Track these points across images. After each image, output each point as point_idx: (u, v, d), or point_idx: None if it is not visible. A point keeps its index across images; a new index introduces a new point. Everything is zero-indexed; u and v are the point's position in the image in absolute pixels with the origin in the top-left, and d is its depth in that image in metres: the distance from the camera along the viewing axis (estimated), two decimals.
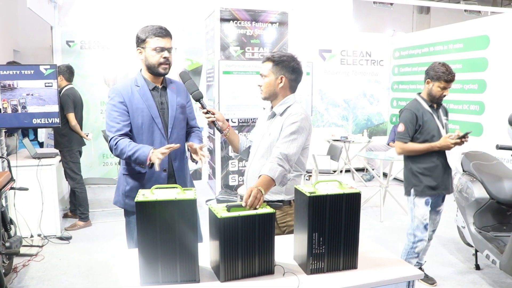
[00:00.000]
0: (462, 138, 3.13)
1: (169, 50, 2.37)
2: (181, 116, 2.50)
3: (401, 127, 3.28)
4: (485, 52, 6.17)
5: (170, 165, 2.46)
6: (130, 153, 2.26)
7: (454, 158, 3.55)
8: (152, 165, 2.23)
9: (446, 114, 3.42)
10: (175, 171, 2.49)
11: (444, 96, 3.25)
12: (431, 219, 3.39)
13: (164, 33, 2.36)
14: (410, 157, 3.31)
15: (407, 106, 3.36)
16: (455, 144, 3.13)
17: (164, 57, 2.35)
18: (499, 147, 3.95)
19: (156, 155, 2.19)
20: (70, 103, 4.68)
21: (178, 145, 2.30)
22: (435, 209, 3.40)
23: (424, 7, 13.89)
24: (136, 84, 2.41)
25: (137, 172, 2.41)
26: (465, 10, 9.86)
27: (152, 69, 2.39)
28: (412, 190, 3.30)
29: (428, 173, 3.24)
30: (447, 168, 3.30)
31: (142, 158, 2.23)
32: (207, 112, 2.34)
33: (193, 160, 2.47)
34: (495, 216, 3.63)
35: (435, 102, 3.30)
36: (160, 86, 2.47)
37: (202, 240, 2.46)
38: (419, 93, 3.42)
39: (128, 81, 2.46)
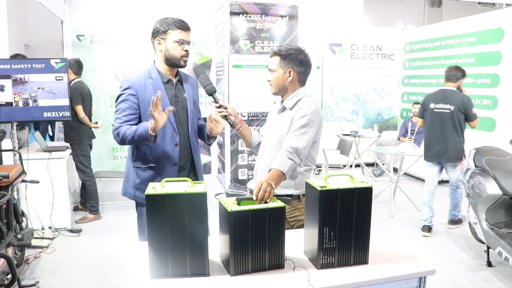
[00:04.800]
0: None
1: (189, 43, 2.38)
2: (195, 110, 2.50)
3: (474, 110, 4.50)
4: (499, 46, 6.07)
5: (182, 159, 2.45)
6: (132, 134, 2.24)
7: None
8: (155, 137, 2.23)
9: None
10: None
11: None
12: None
13: (186, 26, 2.38)
14: (463, 131, 4.52)
15: (467, 97, 4.52)
16: None
17: (185, 50, 2.36)
18: None
19: (153, 122, 2.15)
20: (77, 95, 4.70)
21: (173, 107, 2.24)
22: None
23: (436, 0, 13.69)
24: (149, 77, 2.39)
25: (147, 165, 2.41)
26: (478, 3, 9.73)
27: (172, 61, 2.37)
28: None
29: None
30: None
31: (144, 132, 2.20)
32: (219, 107, 2.32)
33: (210, 136, 2.49)
34: (508, 213, 3.58)
35: None
36: (174, 80, 2.45)
37: (209, 234, 2.46)
38: (457, 89, 4.59)
39: (141, 72, 2.43)
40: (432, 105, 4.59)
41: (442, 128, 4.49)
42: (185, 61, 2.39)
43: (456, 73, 4.55)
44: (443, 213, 5.27)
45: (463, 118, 4.46)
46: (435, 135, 4.55)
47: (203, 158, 5.78)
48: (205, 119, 2.60)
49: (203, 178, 2.54)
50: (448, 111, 4.46)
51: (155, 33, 2.38)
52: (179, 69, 2.48)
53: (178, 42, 2.33)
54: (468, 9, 11.98)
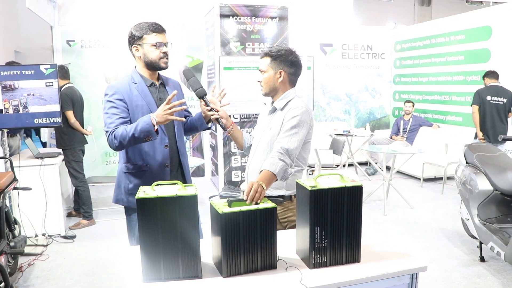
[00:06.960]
0: None
1: (166, 45, 2.37)
2: (180, 112, 2.49)
3: None
4: (488, 43, 6.13)
5: (172, 159, 2.45)
6: (132, 132, 2.19)
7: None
8: (157, 131, 2.21)
9: None
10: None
11: None
12: None
13: (161, 28, 2.37)
14: (507, 119, 5.62)
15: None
16: None
17: (163, 52, 2.35)
18: (503, 138, 3.93)
19: (164, 116, 2.16)
20: (68, 101, 4.67)
21: (180, 101, 2.23)
22: None
23: None
24: (133, 81, 2.38)
25: (139, 169, 2.40)
26: (466, 1, 9.82)
27: (152, 65, 2.36)
28: None
29: None
30: None
31: (146, 126, 2.17)
32: (210, 110, 2.32)
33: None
34: (499, 208, 3.61)
35: None
36: (157, 83, 2.45)
37: (202, 236, 2.46)
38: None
39: (124, 78, 2.42)
40: (489, 97, 5.54)
41: (496, 117, 5.54)
42: (165, 63, 2.37)
43: (496, 74, 5.65)
44: (437, 210, 5.31)
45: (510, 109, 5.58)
46: (490, 121, 5.56)
47: (197, 161, 5.78)
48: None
49: (191, 180, 2.55)
50: (502, 102, 5.52)
51: (131, 40, 2.37)
52: (160, 73, 2.48)
53: (155, 45, 2.33)
54: (457, 7, 12.09)
